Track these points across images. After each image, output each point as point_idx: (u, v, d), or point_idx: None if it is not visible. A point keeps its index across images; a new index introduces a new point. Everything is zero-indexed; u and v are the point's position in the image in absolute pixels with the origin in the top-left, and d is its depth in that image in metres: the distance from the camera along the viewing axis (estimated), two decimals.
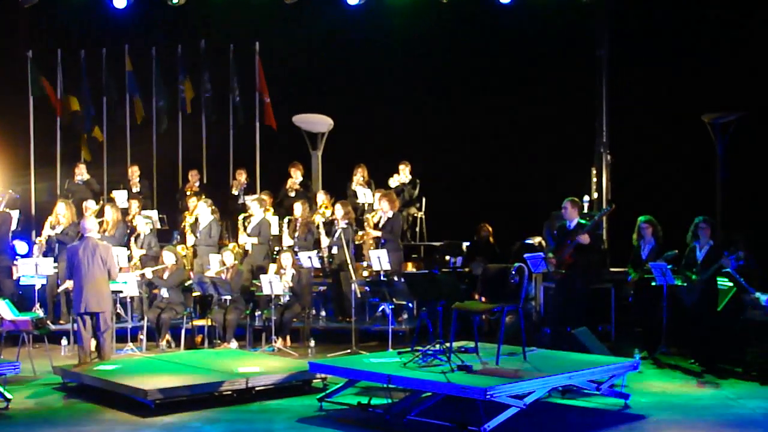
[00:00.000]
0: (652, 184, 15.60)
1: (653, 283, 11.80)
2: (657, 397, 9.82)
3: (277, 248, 14.59)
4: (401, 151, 16.47)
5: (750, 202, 14.92)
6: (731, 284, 11.67)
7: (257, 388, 9.85)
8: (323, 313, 14.49)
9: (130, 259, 13.82)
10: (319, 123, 16.51)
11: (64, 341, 12.73)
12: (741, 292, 11.58)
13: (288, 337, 12.99)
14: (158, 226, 15.59)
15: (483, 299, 10.77)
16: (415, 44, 17.40)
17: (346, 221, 13.79)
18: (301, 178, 16.12)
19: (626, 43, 16.23)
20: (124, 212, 15.18)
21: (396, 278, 12.79)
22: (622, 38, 16.21)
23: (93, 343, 11.24)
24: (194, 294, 13.47)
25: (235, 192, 16.73)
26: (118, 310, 13.33)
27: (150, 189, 17.53)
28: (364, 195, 15.42)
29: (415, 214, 16.12)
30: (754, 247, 12.23)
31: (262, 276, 12.89)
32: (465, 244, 15.19)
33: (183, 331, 13.07)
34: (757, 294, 11.20)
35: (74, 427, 8.86)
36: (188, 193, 16.38)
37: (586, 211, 13.81)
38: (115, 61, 18.38)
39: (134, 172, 16.91)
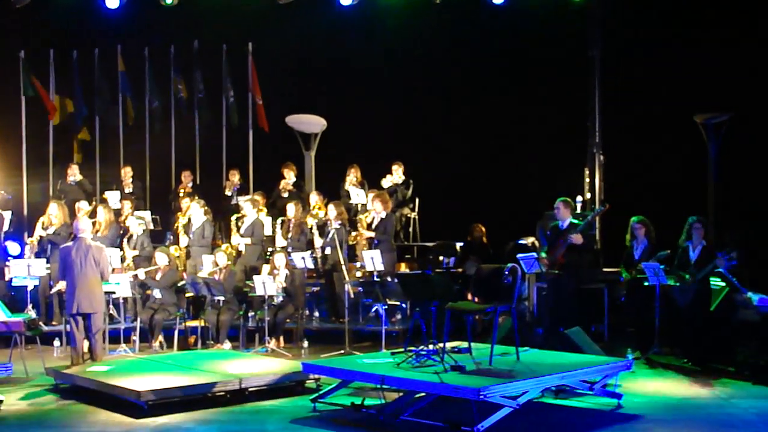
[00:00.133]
0: (644, 185, 15.62)
1: (646, 283, 11.81)
2: (650, 396, 9.84)
3: (270, 249, 14.58)
4: (394, 151, 16.47)
5: (742, 202, 14.95)
6: (723, 284, 11.70)
7: (250, 389, 9.85)
8: (316, 314, 14.49)
9: (122, 260, 13.80)
10: (312, 123, 16.52)
11: (56, 342, 12.69)
12: (733, 292, 11.61)
13: (281, 338, 12.99)
14: (151, 226, 15.56)
15: (476, 299, 10.79)
16: (408, 45, 17.40)
17: (339, 222, 13.79)
18: (294, 179, 16.12)
19: (619, 44, 16.25)
20: (117, 213, 15.16)
21: (389, 279, 12.79)
22: (615, 39, 16.23)
23: (86, 344, 11.22)
24: (187, 295, 13.46)
25: (228, 193, 16.71)
26: (111, 311, 13.30)
27: (143, 190, 17.51)
28: (357, 195, 15.43)
29: (408, 215, 16.12)
30: (746, 246, 12.24)
31: (255, 277, 12.89)
32: (458, 245, 15.19)
33: (176, 332, 13.05)
34: (749, 294, 11.22)
35: (67, 429, 8.84)
36: (181, 193, 16.35)
37: (578, 211, 13.83)
38: (107, 61, 18.36)
39: (127, 173, 16.89)
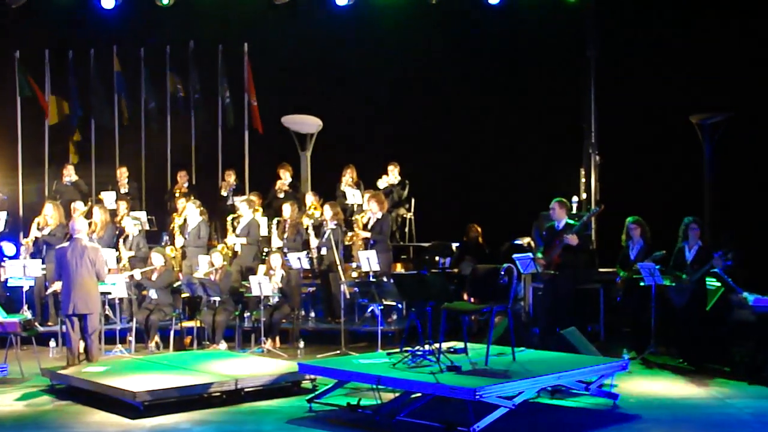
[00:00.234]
0: (640, 185, 15.63)
1: (642, 284, 11.82)
2: (646, 397, 9.85)
3: (266, 249, 14.57)
4: (390, 152, 16.48)
5: (738, 203, 14.97)
6: (719, 284, 11.71)
7: (246, 390, 9.84)
8: (312, 314, 14.47)
9: (118, 260, 13.79)
10: (308, 124, 16.51)
11: (52, 343, 12.67)
12: (729, 292, 11.62)
13: (277, 338, 12.98)
14: (147, 227, 15.55)
15: (472, 300, 10.79)
16: (404, 45, 17.39)
17: (335, 222, 13.79)
18: (290, 179, 16.11)
19: (615, 44, 16.26)
20: (113, 213, 15.13)
21: (385, 279, 12.79)
22: (611, 39, 16.24)
23: (81, 344, 11.20)
24: (183, 295, 13.44)
25: (224, 193, 16.71)
26: (107, 312, 13.30)
27: (138, 190, 17.50)
28: (353, 196, 15.42)
29: (404, 215, 16.12)
30: (742, 247, 12.25)
31: (251, 277, 12.88)
32: (454, 245, 15.20)
33: (172, 333, 13.03)
34: (745, 294, 11.23)
35: (63, 430, 8.84)
36: (177, 194, 16.35)
37: (574, 211, 13.83)
38: (103, 61, 18.34)
39: (123, 174, 16.87)
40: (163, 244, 15.14)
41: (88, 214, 14.37)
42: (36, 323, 12.78)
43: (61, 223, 14.10)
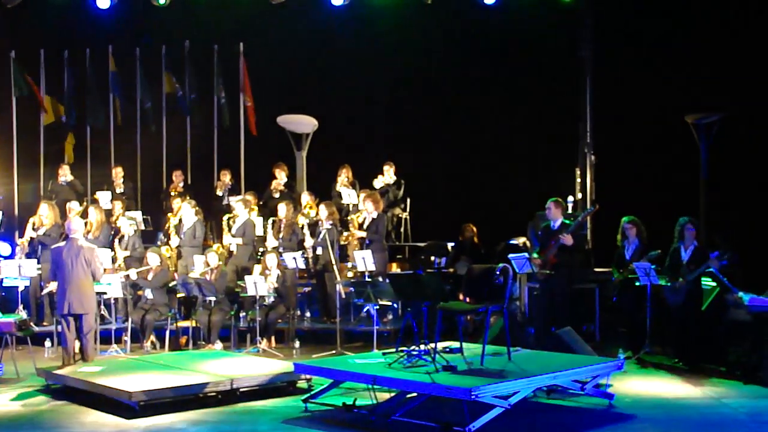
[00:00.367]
0: (635, 185, 15.65)
1: (637, 284, 11.83)
2: (641, 396, 9.86)
3: (261, 249, 14.56)
4: (386, 151, 16.48)
5: (733, 203, 14.99)
6: (714, 284, 11.72)
7: (242, 390, 9.83)
8: (308, 314, 14.48)
9: (114, 260, 13.77)
10: (304, 123, 16.50)
11: (47, 343, 12.67)
12: (724, 292, 11.63)
13: (273, 338, 12.98)
14: (142, 227, 15.53)
15: (468, 300, 10.78)
16: (399, 45, 17.39)
17: (331, 222, 13.79)
18: (285, 179, 16.10)
19: (610, 44, 16.28)
20: (108, 213, 15.11)
21: (381, 279, 12.79)
22: (606, 39, 16.26)
23: (77, 344, 11.19)
24: (179, 295, 13.45)
25: (219, 193, 16.69)
26: (102, 312, 13.28)
27: (134, 190, 17.48)
28: (349, 196, 15.42)
29: (400, 215, 16.13)
30: (736, 247, 12.28)
31: (246, 277, 12.88)
32: (449, 245, 15.21)
33: (167, 333, 13.03)
34: (740, 294, 11.24)
35: (58, 430, 8.82)
36: (172, 193, 16.33)
37: (570, 211, 13.84)
38: (98, 61, 18.32)
39: (118, 173, 16.85)
40: (158, 243, 15.13)
41: (84, 214, 14.35)
42: (31, 323, 12.79)
43: (56, 223, 14.08)
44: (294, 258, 13.22)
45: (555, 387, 9.54)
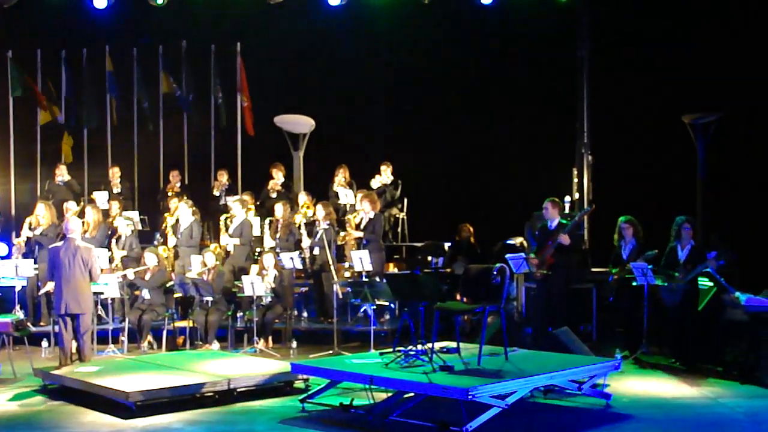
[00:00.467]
0: (633, 185, 15.66)
1: (634, 283, 11.84)
2: (638, 396, 9.86)
3: (258, 249, 14.56)
4: (383, 151, 16.48)
5: (730, 202, 15.00)
6: (711, 284, 11.73)
7: (239, 390, 9.82)
8: (305, 314, 14.47)
9: (111, 260, 13.76)
10: (301, 124, 16.50)
11: (44, 343, 12.64)
12: (721, 292, 11.63)
13: (270, 338, 12.98)
14: (139, 227, 15.53)
15: (465, 300, 10.79)
16: (396, 45, 17.40)
17: (328, 222, 13.79)
18: (282, 179, 16.11)
19: (607, 44, 16.29)
20: (105, 213, 15.11)
21: (378, 279, 12.79)
22: (603, 39, 16.27)
23: (74, 344, 11.18)
24: (176, 295, 13.43)
25: (216, 193, 16.68)
26: (99, 312, 13.28)
27: (131, 190, 17.47)
28: (346, 196, 15.42)
29: (397, 215, 16.12)
30: (732, 246, 12.30)
31: (243, 277, 12.88)
32: (446, 245, 15.21)
33: (164, 333, 13.02)
34: (737, 293, 11.25)
35: (55, 430, 8.82)
36: (169, 194, 16.33)
37: (567, 211, 13.85)
38: (95, 61, 18.31)
39: (115, 173, 16.84)
40: (155, 243, 15.11)
41: (81, 214, 14.33)
42: (28, 323, 12.76)
43: (53, 222, 14.07)
44: (291, 258, 13.22)
45: (552, 387, 9.53)
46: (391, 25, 16.89)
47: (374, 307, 12.43)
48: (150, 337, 13.08)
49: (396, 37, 17.19)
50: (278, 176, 16.06)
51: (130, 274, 13.25)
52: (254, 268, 13.44)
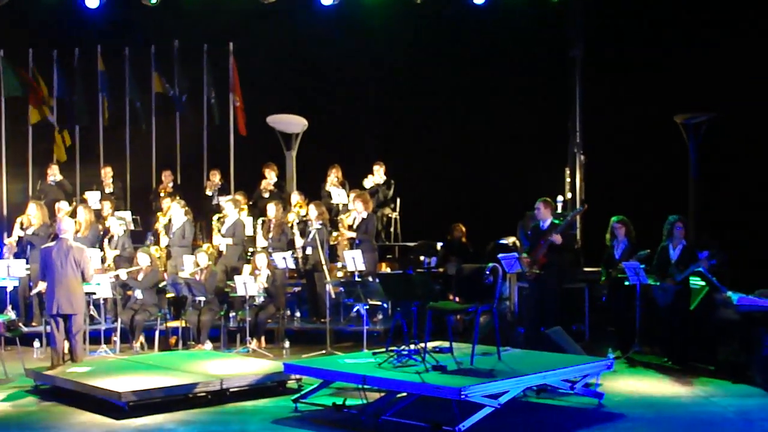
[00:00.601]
0: (625, 184, 15.67)
1: (626, 283, 11.86)
2: (630, 395, 9.88)
3: (251, 249, 14.55)
4: (375, 151, 16.48)
5: (722, 202, 15.03)
6: (703, 283, 11.76)
7: (232, 390, 9.82)
8: (298, 314, 14.44)
9: (103, 260, 13.74)
10: (294, 123, 16.48)
11: (36, 343, 12.63)
12: (713, 291, 11.66)
13: (263, 338, 12.97)
14: (131, 227, 15.50)
15: (457, 299, 10.80)
16: (389, 45, 17.40)
17: (321, 222, 13.79)
18: (275, 179, 16.09)
19: (599, 44, 16.30)
20: (97, 213, 15.08)
21: (370, 279, 12.79)
22: (596, 39, 16.28)
23: (66, 345, 11.16)
24: (168, 295, 13.42)
25: (209, 193, 16.67)
26: (92, 312, 13.25)
27: (123, 190, 17.44)
28: (339, 196, 15.42)
29: (390, 215, 16.12)
30: (724, 246, 12.32)
31: (236, 277, 12.86)
32: (439, 245, 15.21)
33: (157, 333, 13.01)
34: (729, 293, 11.28)
35: (47, 430, 8.80)
36: (162, 194, 16.30)
37: (559, 211, 13.86)
38: (87, 61, 18.28)
39: (107, 173, 16.82)
40: (147, 243, 15.11)
41: (73, 214, 14.31)
42: (20, 324, 12.75)
43: (44, 222, 14.04)
44: (284, 258, 13.21)
45: (545, 386, 9.55)
46: (384, 25, 16.88)
47: (367, 307, 12.42)
48: (142, 338, 13.06)
49: (388, 37, 17.18)
50: (271, 176, 16.04)
51: (123, 274, 13.24)
52: (247, 268, 13.42)
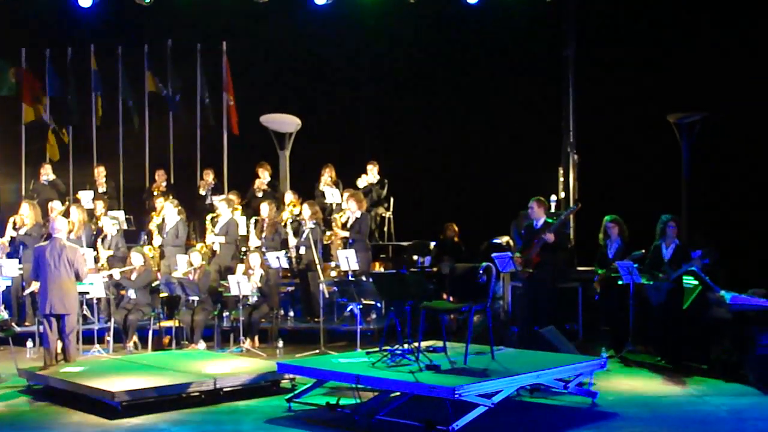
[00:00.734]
0: (618, 184, 15.70)
1: (620, 282, 11.87)
2: (624, 394, 9.89)
3: (244, 249, 14.54)
4: (369, 151, 16.48)
5: (714, 201, 15.06)
6: (696, 282, 11.76)
7: (225, 389, 9.81)
8: (291, 314, 14.46)
9: (97, 260, 13.72)
10: (287, 123, 16.47)
11: (29, 343, 12.60)
12: (706, 291, 11.67)
13: (256, 338, 12.96)
14: (125, 226, 15.48)
15: (451, 299, 10.80)
16: (383, 44, 17.42)
17: (314, 221, 13.78)
18: (268, 179, 16.08)
19: (593, 44, 16.32)
20: (90, 213, 15.06)
21: (364, 278, 12.79)
22: (589, 38, 16.29)
23: (59, 345, 11.13)
24: (161, 295, 13.40)
25: (202, 192, 16.66)
26: (85, 312, 13.23)
27: (116, 189, 17.42)
28: (332, 195, 15.43)
29: (383, 214, 16.14)
30: (717, 245, 12.33)
31: (230, 276, 12.86)
32: (432, 244, 15.22)
33: (150, 333, 12.98)
34: (722, 292, 11.29)
35: (40, 430, 8.79)
36: (155, 193, 16.30)
37: (553, 210, 13.87)
38: (80, 60, 18.25)
39: (100, 173, 16.79)
40: (141, 243, 15.09)
41: (66, 214, 14.28)
42: (13, 323, 12.74)
43: (37, 222, 14.02)
44: (277, 257, 13.21)
45: (538, 386, 9.55)
46: (377, 24, 16.90)
47: (360, 306, 12.43)
48: (136, 337, 13.04)
49: (382, 36, 17.20)
50: (264, 175, 16.04)
51: (116, 273, 13.22)
52: (240, 268, 13.42)
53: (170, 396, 9.51)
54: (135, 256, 13.28)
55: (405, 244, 15.76)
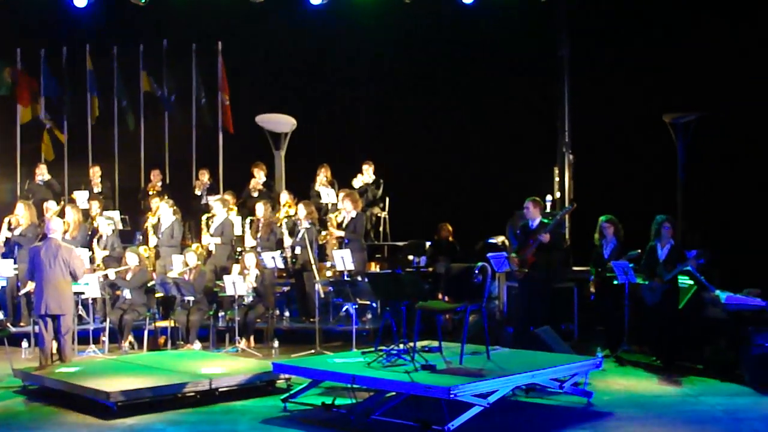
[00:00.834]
0: (613, 184, 15.70)
1: (615, 282, 11.89)
2: (619, 394, 9.90)
3: (240, 249, 14.54)
4: (365, 151, 16.47)
5: (709, 201, 15.07)
6: (692, 282, 11.79)
7: (221, 389, 9.81)
8: (287, 314, 14.46)
9: (92, 260, 13.71)
10: (282, 123, 16.48)
11: (24, 344, 12.58)
12: (701, 290, 11.70)
13: (252, 338, 12.95)
14: (120, 226, 15.47)
15: (446, 299, 10.80)
16: (378, 44, 17.40)
17: (309, 221, 13.78)
18: (264, 179, 16.09)
19: (588, 44, 16.32)
20: (85, 213, 15.05)
21: (359, 278, 12.78)
22: (584, 38, 16.30)
23: (54, 345, 11.13)
24: (157, 295, 13.39)
25: (197, 192, 16.66)
26: (80, 312, 13.22)
27: (112, 189, 17.41)
28: (328, 195, 15.43)
29: (379, 214, 16.14)
30: (712, 245, 12.36)
31: (225, 277, 12.86)
32: (427, 244, 15.23)
33: (146, 333, 12.97)
34: (717, 292, 11.31)
35: (35, 431, 8.77)
36: (150, 193, 16.29)
37: (548, 210, 13.88)
38: (76, 60, 18.23)
39: (95, 173, 16.78)
40: (136, 243, 15.08)
41: (61, 214, 14.27)
42: (8, 324, 12.73)
43: (32, 222, 14.00)
44: (273, 257, 13.21)
45: (534, 385, 9.56)
46: (373, 24, 16.87)
47: (356, 306, 12.43)
48: (131, 337, 13.04)
49: (377, 36, 17.18)
50: (260, 175, 16.04)
51: (111, 274, 13.21)
52: (236, 268, 13.41)
53: (166, 396, 9.50)
54: (130, 256, 13.27)
55: (400, 243, 15.76)
